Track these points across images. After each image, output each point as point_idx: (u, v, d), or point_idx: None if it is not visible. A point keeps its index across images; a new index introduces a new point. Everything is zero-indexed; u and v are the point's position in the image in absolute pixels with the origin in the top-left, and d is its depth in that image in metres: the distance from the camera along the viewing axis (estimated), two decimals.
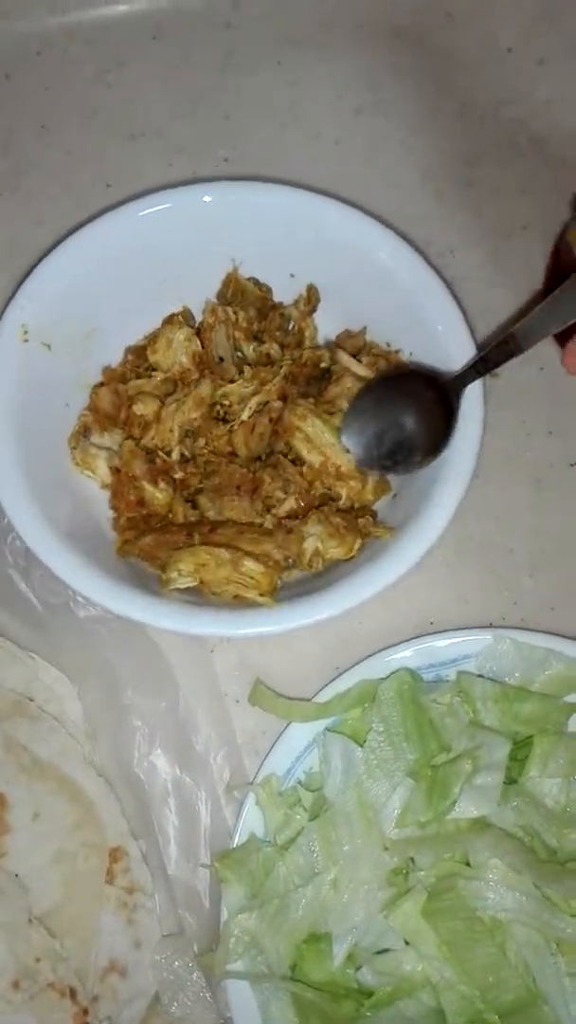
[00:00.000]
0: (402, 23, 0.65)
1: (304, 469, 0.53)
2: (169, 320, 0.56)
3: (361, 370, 0.54)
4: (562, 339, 0.56)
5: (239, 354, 0.55)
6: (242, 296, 0.56)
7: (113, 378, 0.55)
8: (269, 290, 0.57)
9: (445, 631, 0.53)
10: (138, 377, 0.55)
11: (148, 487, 0.52)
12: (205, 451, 0.53)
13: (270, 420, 0.53)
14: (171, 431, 0.53)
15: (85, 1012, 0.47)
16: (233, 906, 0.48)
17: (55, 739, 0.51)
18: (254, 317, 0.55)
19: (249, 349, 0.55)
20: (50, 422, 0.53)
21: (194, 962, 0.48)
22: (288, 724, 0.51)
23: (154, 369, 0.55)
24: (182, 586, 0.49)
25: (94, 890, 0.49)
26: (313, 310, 0.56)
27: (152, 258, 0.54)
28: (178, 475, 0.53)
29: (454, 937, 0.45)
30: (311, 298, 0.56)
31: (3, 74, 0.64)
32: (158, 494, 0.52)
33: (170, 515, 0.52)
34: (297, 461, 0.53)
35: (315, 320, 0.57)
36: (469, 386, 0.50)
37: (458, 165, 0.63)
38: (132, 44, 0.65)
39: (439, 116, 0.64)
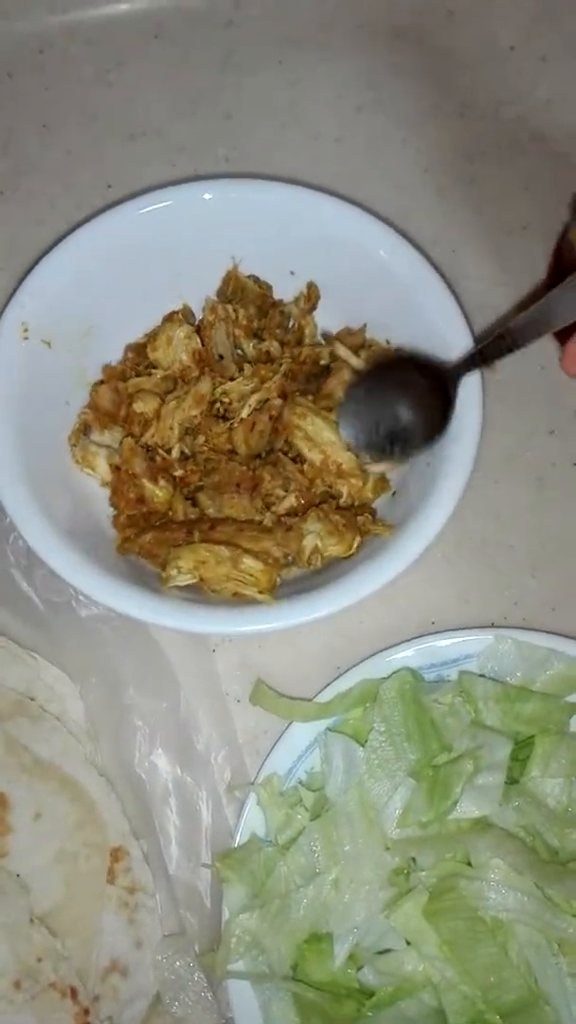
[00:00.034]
0: (402, 22, 0.65)
1: (305, 467, 0.53)
2: (169, 318, 0.56)
3: (358, 363, 0.54)
4: (563, 337, 0.56)
5: (239, 352, 0.55)
6: (242, 294, 0.56)
7: (113, 376, 0.55)
8: (269, 287, 0.57)
9: (446, 631, 0.52)
10: (138, 375, 0.55)
11: (148, 485, 0.52)
12: (205, 449, 0.53)
13: (270, 418, 0.53)
14: (171, 429, 0.53)
15: (86, 1012, 0.47)
16: (234, 906, 0.48)
17: (56, 739, 0.51)
18: (254, 315, 0.55)
19: (249, 347, 0.55)
20: (50, 420, 0.53)
21: (195, 962, 0.48)
22: (289, 724, 0.51)
23: (154, 367, 0.55)
24: (182, 583, 0.49)
25: (95, 890, 0.49)
26: (313, 307, 0.56)
27: (152, 256, 0.54)
28: (178, 473, 0.53)
29: (455, 937, 0.45)
30: (311, 295, 0.56)
31: (5, 73, 0.65)
32: (158, 492, 0.52)
33: (170, 513, 0.52)
34: (297, 459, 0.53)
35: (315, 317, 0.57)
36: (470, 385, 0.50)
37: (459, 163, 0.63)
38: (133, 43, 0.65)
39: (440, 115, 0.64)
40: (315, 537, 0.50)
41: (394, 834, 0.47)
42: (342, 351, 0.54)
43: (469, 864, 0.46)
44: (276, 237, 0.54)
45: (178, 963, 0.48)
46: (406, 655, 0.51)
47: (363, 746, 0.48)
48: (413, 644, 0.51)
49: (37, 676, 0.52)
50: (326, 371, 0.55)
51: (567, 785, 0.48)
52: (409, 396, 0.50)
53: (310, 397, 0.53)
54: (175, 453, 0.53)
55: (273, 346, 0.55)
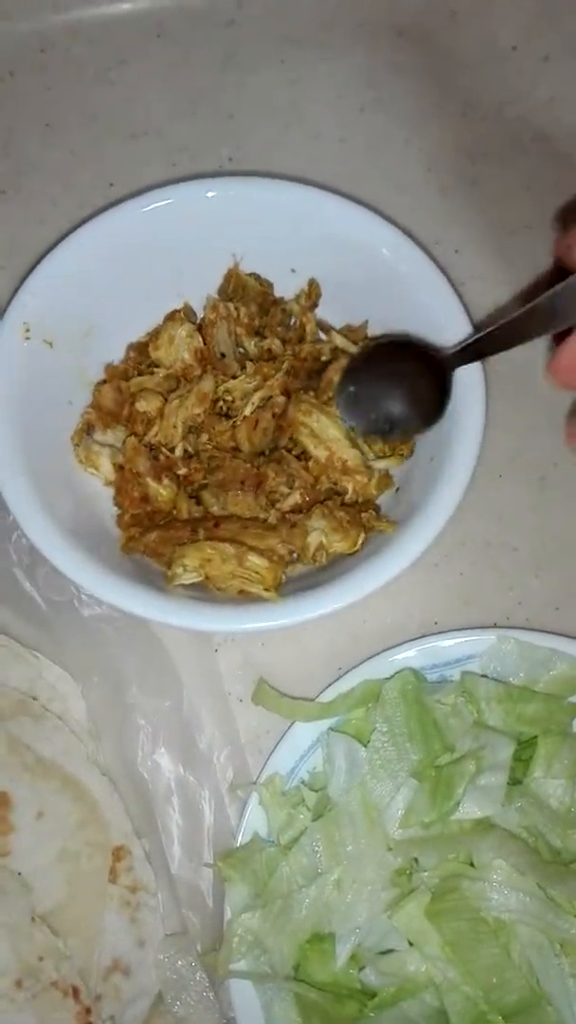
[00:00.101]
0: (403, 21, 0.65)
1: (310, 464, 0.53)
2: (171, 316, 0.56)
3: (356, 351, 0.54)
4: (559, 340, 0.55)
5: (241, 350, 0.55)
6: (243, 292, 0.56)
7: (115, 375, 0.55)
8: (270, 285, 0.57)
9: (449, 631, 0.52)
10: (140, 374, 0.55)
11: (152, 483, 0.52)
12: (208, 447, 0.53)
13: (273, 415, 0.53)
14: (174, 427, 0.53)
15: (88, 1011, 0.47)
16: (236, 906, 0.48)
17: (59, 738, 0.51)
18: (255, 313, 0.55)
19: (251, 345, 0.55)
20: (53, 420, 0.53)
21: (197, 961, 0.48)
22: (292, 724, 0.51)
23: (156, 366, 0.55)
24: (187, 582, 0.49)
25: (97, 889, 0.49)
26: (314, 305, 0.56)
27: (154, 254, 0.54)
28: (182, 471, 0.53)
29: (458, 938, 0.45)
30: (312, 293, 0.56)
31: (6, 72, 0.64)
32: (162, 490, 0.52)
33: (174, 511, 0.52)
34: (302, 456, 0.53)
35: (316, 315, 0.57)
36: (472, 384, 0.50)
37: (462, 163, 0.63)
38: (135, 43, 0.65)
39: (442, 114, 0.64)
40: (320, 534, 0.50)
41: (396, 834, 0.47)
42: (339, 340, 0.54)
43: (471, 865, 0.46)
44: (278, 235, 0.54)
45: (180, 963, 0.48)
46: (409, 655, 0.51)
47: (365, 746, 0.48)
48: (416, 644, 0.51)
49: (39, 675, 0.52)
50: (327, 367, 0.55)
51: (570, 786, 0.48)
52: (403, 375, 0.50)
53: (312, 392, 0.53)
54: (179, 451, 0.53)
55: (275, 344, 0.55)
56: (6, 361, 0.50)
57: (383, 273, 0.53)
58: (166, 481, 0.52)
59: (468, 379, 0.50)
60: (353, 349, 0.54)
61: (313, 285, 0.56)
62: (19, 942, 0.47)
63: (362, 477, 0.52)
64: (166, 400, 0.54)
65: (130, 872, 0.50)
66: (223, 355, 0.54)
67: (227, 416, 0.54)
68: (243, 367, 0.54)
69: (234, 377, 0.54)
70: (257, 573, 0.49)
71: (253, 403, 0.52)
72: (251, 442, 0.53)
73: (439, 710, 0.49)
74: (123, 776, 0.51)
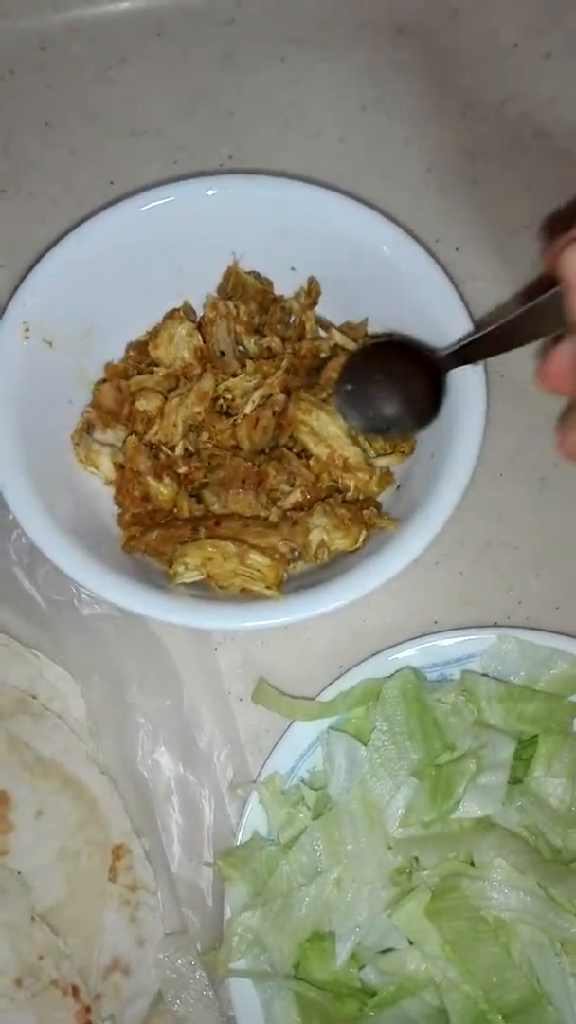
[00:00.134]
0: (404, 20, 0.65)
1: (311, 462, 0.53)
2: (170, 315, 0.56)
3: (355, 348, 0.54)
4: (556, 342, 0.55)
5: (240, 348, 0.55)
6: (243, 290, 0.56)
7: (115, 374, 0.55)
8: (270, 283, 0.57)
9: (449, 630, 0.52)
10: (140, 373, 0.55)
11: (152, 482, 0.52)
12: (209, 445, 0.53)
13: (273, 413, 0.53)
14: (174, 426, 0.53)
15: (88, 1010, 0.47)
16: (236, 904, 0.48)
17: (58, 737, 0.51)
18: (255, 311, 0.55)
19: (250, 343, 0.55)
20: (53, 419, 0.53)
21: (197, 960, 0.48)
22: (292, 722, 0.51)
23: (156, 364, 0.55)
24: (189, 580, 0.49)
25: (97, 888, 0.49)
26: (314, 303, 0.56)
27: (153, 253, 0.54)
28: (182, 470, 0.53)
29: (458, 937, 0.45)
30: (312, 291, 0.56)
31: (6, 71, 0.64)
32: (163, 489, 0.52)
33: (175, 510, 0.52)
34: (303, 454, 0.53)
35: (316, 312, 0.57)
36: (472, 384, 0.50)
37: (462, 162, 0.63)
38: (134, 41, 0.65)
39: (442, 113, 0.64)
40: (321, 531, 0.50)
41: (396, 833, 0.47)
42: (339, 337, 0.54)
43: (472, 864, 0.46)
44: (277, 233, 0.54)
45: (180, 961, 0.48)
46: (409, 654, 0.51)
47: (365, 745, 0.48)
48: (416, 643, 0.51)
49: (39, 674, 0.52)
50: (326, 364, 0.55)
51: (570, 785, 0.48)
52: (398, 375, 0.50)
53: (312, 390, 0.53)
54: (179, 450, 0.53)
55: (274, 342, 0.55)
56: (6, 361, 0.50)
57: (383, 270, 0.53)
58: (167, 480, 0.52)
59: (469, 379, 0.50)
60: (352, 346, 0.54)
61: (312, 283, 0.56)
62: (19, 941, 0.47)
63: (363, 474, 0.52)
64: (166, 399, 0.54)
65: (130, 871, 0.50)
66: (223, 353, 0.54)
67: (227, 414, 0.54)
68: (243, 365, 0.54)
69: (234, 375, 0.54)
70: (259, 571, 0.49)
71: (253, 401, 0.52)
72: (251, 440, 0.53)
73: (439, 709, 0.49)
74: (123, 775, 0.51)
